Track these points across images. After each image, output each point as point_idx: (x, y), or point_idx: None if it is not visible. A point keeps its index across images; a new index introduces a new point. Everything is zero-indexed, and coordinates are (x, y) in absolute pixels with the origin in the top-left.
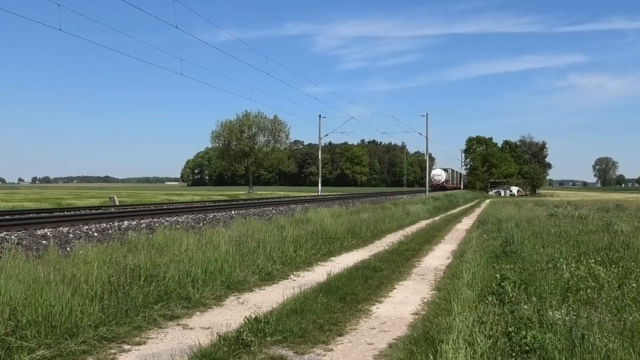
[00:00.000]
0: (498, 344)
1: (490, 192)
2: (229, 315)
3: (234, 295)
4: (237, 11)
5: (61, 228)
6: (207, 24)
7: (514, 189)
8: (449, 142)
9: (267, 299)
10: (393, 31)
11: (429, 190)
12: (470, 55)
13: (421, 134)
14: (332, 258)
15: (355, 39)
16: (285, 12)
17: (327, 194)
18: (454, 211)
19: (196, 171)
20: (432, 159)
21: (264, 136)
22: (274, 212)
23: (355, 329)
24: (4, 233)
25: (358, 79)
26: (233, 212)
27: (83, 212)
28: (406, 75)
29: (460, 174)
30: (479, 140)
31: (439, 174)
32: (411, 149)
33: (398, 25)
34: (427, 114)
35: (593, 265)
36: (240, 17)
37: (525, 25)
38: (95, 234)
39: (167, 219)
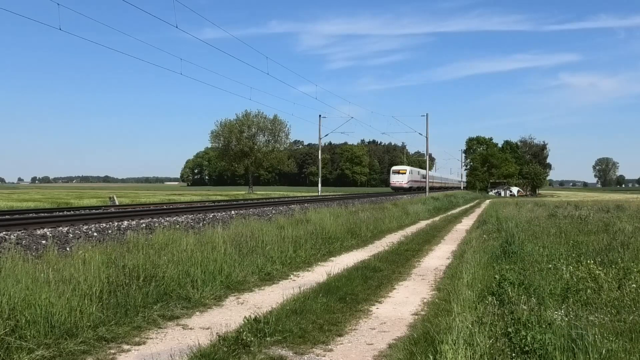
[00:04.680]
0: (498, 344)
1: (490, 193)
2: (229, 315)
3: (234, 296)
4: (219, 8)
5: (61, 228)
6: (188, 20)
7: (514, 190)
8: (448, 142)
9: (266, 299)
10: (379, 29)
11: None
12: (459, 55)
13: (421, 134)
14: (332, 258)
15: (341, 38)
16: (269, 10)
17: (327, 194)
18: (454, 211)
19: (196, 171)
20: (432, 159)
21: (264, 136)
22: (273, 212)
23: (355, 329)
24: (4, 233)
25: (347, 79)
26: (233, 212)
27: (82, 212)
28: (397, 74)
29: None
30: (479, 141)
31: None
32: (411, 149)
33: (384, 24)
34: (427, 114)
35: (592, 266)
36: (222, 14)
37: (512, 23)
38: (95, 234)
39: (167, 219)
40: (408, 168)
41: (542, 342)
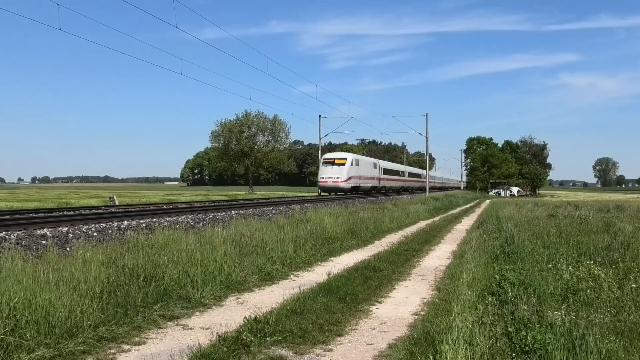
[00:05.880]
0: (498, 344)
1: (490, 193)
2: (229, 315)
3: (234, 296)
4: (219, 8)
5: (61, 228)
6: (189, 20)
7: (514, 190)
8: (448, 142)
9: (266, 299)
10: (379, 29)
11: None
12: (459, 55)
13: (421, 134)
14: (332, 258)
15: (341, 38)
16: (269, 10)
17: (327, 194)
18: (454, 211)
19: (196, 171)
20: (432, 159)
21: (264, 136)
22: (273, 212)
23: (355, 329)
24: (4, 233)
25: (347, 79)
26: (233, 212)
27: (83, 212)
28: (397, 74)
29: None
30: (479, 141)
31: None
32: (411, 149)
33: (384, 24)
34: (427, 114)
35: (592, 266)
36: (222, 14)
37: (512, 23)
38: (95, 234)
39: (167, 219)
40: (350, 157)
41: (542, 342)
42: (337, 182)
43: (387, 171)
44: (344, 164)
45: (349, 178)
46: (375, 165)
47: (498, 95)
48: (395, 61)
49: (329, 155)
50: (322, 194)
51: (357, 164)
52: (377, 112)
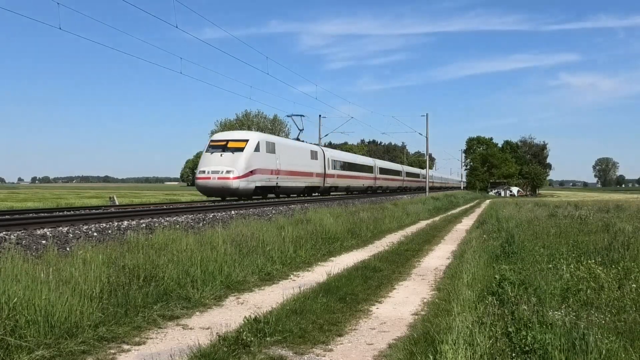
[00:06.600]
0: (498, 344)
1: (490, 193)
2: (229, 315)
3: (234, 296)
4: (219, 8)
5: (61, 228)
6: (190, 21)
7: (514, 190)
8: (448, 142)
9: (266, 299)
10: (379, 29)
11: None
12: (459, 55)
13: (421, 134)
14: (332, 258)
15: (341, 38)
16: (269, 10)
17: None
18: (454, 211)
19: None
20: (432, 159)
21: None
22: (273, 212)
23: (355, 329)
24: (4, 233)
25: (347, 79)
26: (233, 212)
27: (83, 212)
28: (397, 74)
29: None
30: (479, 141)
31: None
32: (411, 149)
33: (384, 24)
34: (427, 114)
35: (593, 266)
36: (222, 14)
37: (512, 23)
38: (95, 234)
39: (167, 218)
40: (255, 137)
41: (542, 342)
42: (228, 179)
43: (338, 164)
44: (241, 149)
45: (250, 172)
46: (315, 155)
47: (498, 95)
48: (395, 61)
49: (219, 136)
50: (209, 199)
51: (272, 151)
52: (377, 112)
